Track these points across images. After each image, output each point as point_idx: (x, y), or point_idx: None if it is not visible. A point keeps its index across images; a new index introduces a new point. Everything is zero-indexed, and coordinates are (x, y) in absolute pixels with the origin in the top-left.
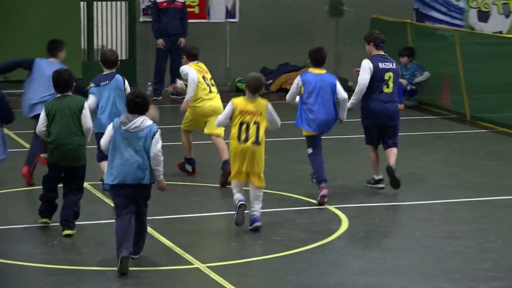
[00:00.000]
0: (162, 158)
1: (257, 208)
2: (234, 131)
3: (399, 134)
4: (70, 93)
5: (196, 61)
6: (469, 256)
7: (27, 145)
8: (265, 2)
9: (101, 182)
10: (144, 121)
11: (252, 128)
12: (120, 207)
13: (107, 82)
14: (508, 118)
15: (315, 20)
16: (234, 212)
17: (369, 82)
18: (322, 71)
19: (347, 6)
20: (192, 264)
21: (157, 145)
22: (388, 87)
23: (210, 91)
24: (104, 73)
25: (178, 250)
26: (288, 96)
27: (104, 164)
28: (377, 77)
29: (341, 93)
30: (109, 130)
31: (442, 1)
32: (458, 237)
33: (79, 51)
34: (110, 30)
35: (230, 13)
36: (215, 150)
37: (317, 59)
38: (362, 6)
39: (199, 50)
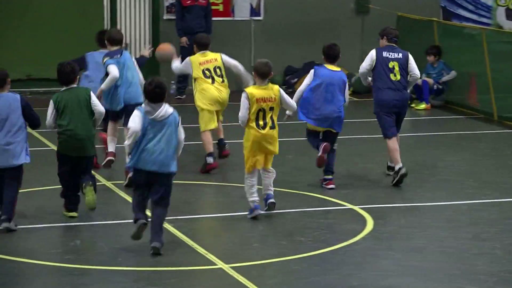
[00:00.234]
0: (183, 144)
1: (269, 186)
2: (252, 120)
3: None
4: (75, 85)
5: (204, 51)
6: (494, 257)
7: (50, 144)
8: (290, 0)
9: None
10: (167, 109)
11: (269, 114)
12: (140, 188)
13: (119, 56)
14: None
15: (341, 18)
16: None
17: (376, 71)
18: (337, 69)
19: (373, 4)
20: (216, 265)
21: (182, 132)
22: (395, 75)
23: (213, 82)
24: (112, 50)
25: (201, 250)
26: (300, 89)
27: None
28: (381, 66)
29: (346, 96)
30: (139, 115)
31: None
32: (483, 239)
33: None
34: (133, 28)
35: (254, 11)
36: (239, 151)
37: (331, 55)
38: (388, 4)
39: (210, 39)
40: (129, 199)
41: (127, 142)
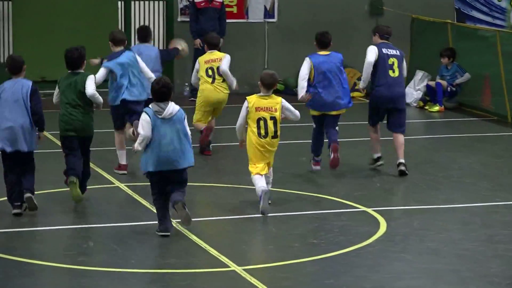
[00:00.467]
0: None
1: (269, 182)
2: (253, 126)
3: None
4: (81, 70)
5: (213, 50)
6: (509, 260)
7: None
8: (304, 2)
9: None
10: (174, 107)
11: (270, 123)
12: (156, 189)
13: (119, 57)
14: None
15: (355, 20)
16: (270, 215)
17: (376, 67)
18: (327, 52)
19: (387, 6)
20: (229, 267)
21: (187, 126)
22: (394, 71)
23: (213, 82)
24: (115, 51)
25: (214, 252)
26: (300, 74)
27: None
28: (381, 62)
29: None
30: (147, 120)
31: (483, 1)
32: (497, 241)
33: None
34: None
35: (268, 13)
36: None
37: (323, 41)
38: (402, 6)
39: (219, 39)
40: (142, 201)
41: (138, 147)
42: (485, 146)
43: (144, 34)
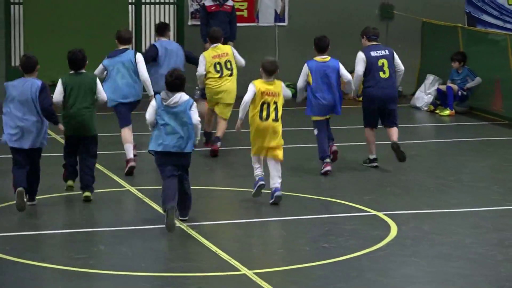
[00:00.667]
0: (200, 126)
1: (277, 181)
2: (256, 110)
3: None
4: (84, 71)
5: (216, 44)
6: None
7: None
8: (315, 6)
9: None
10: (182, 97)
11: (272, 107)
12: (163, 170)
13: (119, 55)
14: None
15: (365, 24)
16: (281, 218)
17: (367, 70)
18: (327, 59)
19: (397, 10)
20: (239, 270)
21: (195, 114)
22: (384, 72)
23: (221, 76)
24: (118, 48)
25: (224, 256)
26: (299, 83)
27: (124, 132)
28: (372, 65)
29: (345, 75)
30: (153, 105)
31: (494, 4)
32: (508, 245)
33: None
34: None
35: (279, 17)
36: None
37: (321, 46)
38: (413, 10)
39: (222, 33)
40: (153, 204)
41: (149, 128)
42: (496, 150)
43: (163, 27)
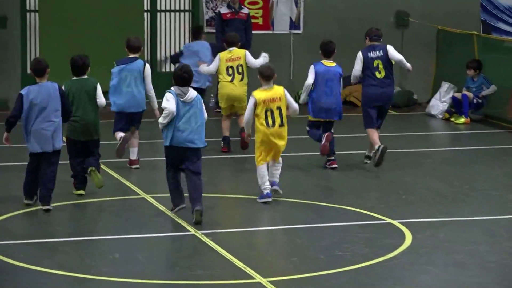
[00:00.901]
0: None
1: (276, 175)
2: (262, 118)
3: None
4: (85, 76)
5: (232, 48)
6: None
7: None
8: (330, 13)
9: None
10: (192, 92)
11: (276, 113)
12: (172, 168)
13: (128, 63)
14: None
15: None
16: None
17: (364, 70)
18: (332, 64)
19: (413, 17)
20: (254, 279)
21: (205, 111)
22: (380, 73)
23: (232, 80)
24: (128, 56)
25: (239, 264)
26: (308, 81)
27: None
28: (367, 66)
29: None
30: (172, 97)
31: (510, 12)
32: None
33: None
34: (173, 41)
35: (294, 24)
36: (286, 167)
37: (327, 51)
38: (428, 18)
39: (238, 38)
40: (168, 212)
41: (162, 121)
42: (511, 158)
43: (195, 31)
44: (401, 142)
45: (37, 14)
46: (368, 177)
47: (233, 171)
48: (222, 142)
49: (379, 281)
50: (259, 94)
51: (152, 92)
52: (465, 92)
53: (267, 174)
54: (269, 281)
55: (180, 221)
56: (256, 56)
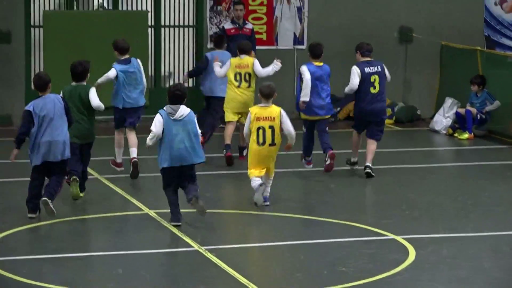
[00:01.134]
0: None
1: (267, 190)
2: (254, 135)
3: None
4: (84, 83)
5: (243, 56)
6: None
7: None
8: (334, 28)
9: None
10: (184, 109)
11: (268, 132)
12: (170, 187)
13: (127, 63)
14: None
15: (385, 47)
16: (298, 242)
17: (359, 84)
18: (320, 63)
19: (416, 33)
20: None
21: (197, 126)
22: (374, 88)
23: (239, 86)
24: (121, 58)
25: (242, 279)
26: (304, 81)
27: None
28: (364, 81)
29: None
30: (159, 120)
31: None
32: None
33: (146, 78)
34: (177, 57)
35: (298, 40)
36: (290, 183)
37: (316, 52)
38: (431, 33)
39: (250, 46)
40: (172, 228)
41: (148, 142)
42: None
43: (217, 40)
44: (405, 158)
45: (41, 29)
46: (371, 193)
47: (235, 187)
48: (225, 150)
49: None
50: (255, 110)
51: (144, 84)
52: (468, 107)
53: (258, 182)
54: None
55: (183, 237)
56: (268, 64)
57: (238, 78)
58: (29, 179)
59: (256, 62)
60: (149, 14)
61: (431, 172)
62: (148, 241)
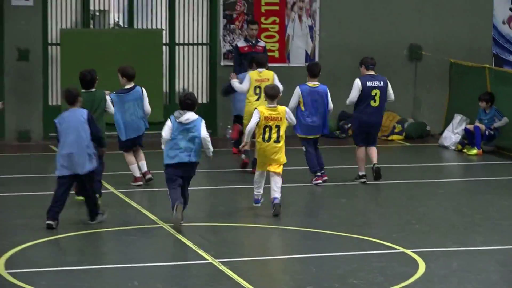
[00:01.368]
0: (209, 139)
1: (276, 192)
2: (260, 133)
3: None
4: (93, 89)
5: (261, 69)
6: None
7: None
8: (345, 46)
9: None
10: (192, 115)
11: (274, 130)
12: (170, 181)
13: (128, 92)
14: None
15: (394, 64)
16: (310, 255)
17: (360, 97)
18: (317, 84)
19: (426, 50)
20: None
21: (204, 129)
22: (375, 101)
23: (258, 99)
24: (126, 87)
25: None
26: (291, 104)
27: (127, 156)
28: (365, 94)
29: (330, 103)
30: (169, 125)
31: None
32: None
33: (161, 94)
34: (191, 74)
35: (309, 57)
36: (301, 197)
37: (314, 72)
38: (440, 51)
39: (267, 59)
40: (186, 241)
41: (162, 146)
42: None
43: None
44: (415, 173)
45: (58, 47)
46: (381, 207)
47: (249, 201)
48: (243, 155)
49: None
50: (263, 110)
51: (148, 111)
52: (477, 124)
53: (259, 183)
54: None
55: (198, 250)
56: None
57: (258, 91)
58: (46, 192)
59: (276, 76)
60: (164, 32)
61: (440, 187)
62: (163, 253)
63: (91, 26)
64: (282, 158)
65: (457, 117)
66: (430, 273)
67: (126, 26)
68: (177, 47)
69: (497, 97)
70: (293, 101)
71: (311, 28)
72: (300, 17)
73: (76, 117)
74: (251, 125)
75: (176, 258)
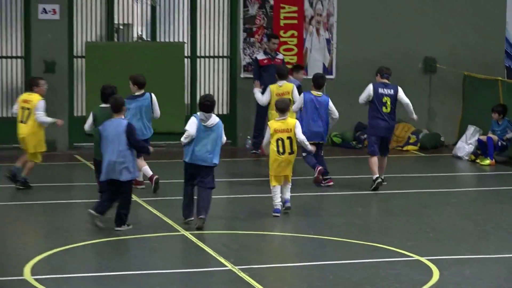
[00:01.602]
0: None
1: (287, 194)
2: (273, 146)
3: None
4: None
5: (283, 82)
6: None
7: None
8: (361, 58)
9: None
10: (215, 118)
11: (287, 142)
12: (188, 182)
13: (135, 98)
14: None
15: (409, 77)
16: (327, 262)
17: (371, 103)
18: (320, 94)
19: (440, 63)
20: None
21: (223, 134)
22: (386, 108)
23: None
24: (135, 94)
25: None
26: (295, 108)
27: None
28: (376, 100)
29: (333, 111)
30: (194, 122)
31: None
32: None
33: (183, 106)
34: (212, 86)
35: (327, 69)
36: (318, 206)
37: (319, 84)
38: (454, 64)
39: (288, 70)
40: (206, 248)
41: (183, 140)
42: None
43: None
44: (429, 182)
45: (83, 60)
46: (396, 216)
47: (268, 209)
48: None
49: None
50: (273, 124)
51: (157, 115)
52: (490, 135)
53: (278, 194)
54: None
55: (217, 256)
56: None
57: None
58: (71, 200)
59: (295, 89)
60: (186, 45)
61: (454, 196)
62: (184, 260)
63: (115, 39)
64: (291, 171)
65: (471, 128)
66: (444, 280)
67: (149, 39)
68: (198, 59)
69: (510, 109)
70: (297, 104)
71: (328, 41)
72: (318, 30)
73: (115, 127)
74: (265, 140)
75: (196, 265)
